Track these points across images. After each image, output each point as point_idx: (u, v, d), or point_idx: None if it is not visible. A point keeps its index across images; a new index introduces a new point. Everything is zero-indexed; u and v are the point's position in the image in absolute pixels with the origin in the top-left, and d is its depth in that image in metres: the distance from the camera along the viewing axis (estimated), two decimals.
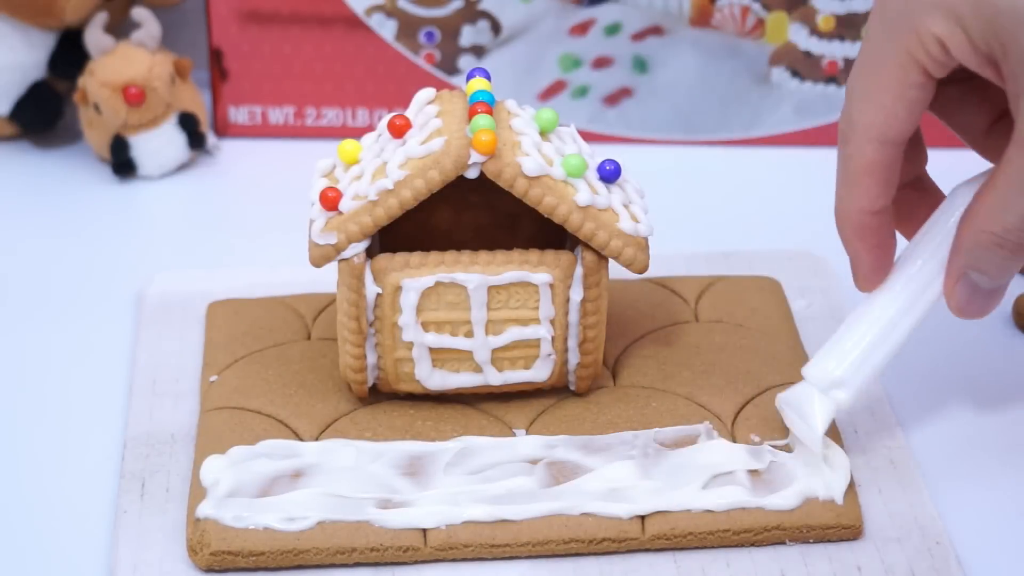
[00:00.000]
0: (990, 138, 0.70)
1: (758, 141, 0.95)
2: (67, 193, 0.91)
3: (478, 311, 0.70)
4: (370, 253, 0.70)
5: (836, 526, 0.68)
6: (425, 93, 0.72)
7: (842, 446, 0.71)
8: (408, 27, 0.93)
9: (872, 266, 0.69)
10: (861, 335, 0.69)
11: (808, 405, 0.69)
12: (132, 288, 0.83)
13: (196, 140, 0.92)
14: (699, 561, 0.68)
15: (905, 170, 0.69)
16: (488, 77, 0.71)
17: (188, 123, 0.91)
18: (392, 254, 0.70)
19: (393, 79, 0.94)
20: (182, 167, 0.93)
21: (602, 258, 0.70)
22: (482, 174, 0.69)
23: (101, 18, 0.90)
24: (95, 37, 0.90)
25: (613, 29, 0.93)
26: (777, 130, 0.95)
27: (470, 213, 0.75)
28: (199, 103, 0.93)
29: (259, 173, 0.93)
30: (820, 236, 0.78)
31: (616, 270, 0.72)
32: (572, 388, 0.74)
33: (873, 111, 0.67)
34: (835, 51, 0.93)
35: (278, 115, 0.95)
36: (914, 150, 0.70)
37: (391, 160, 0.69)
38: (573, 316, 0.71)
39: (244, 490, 0.68)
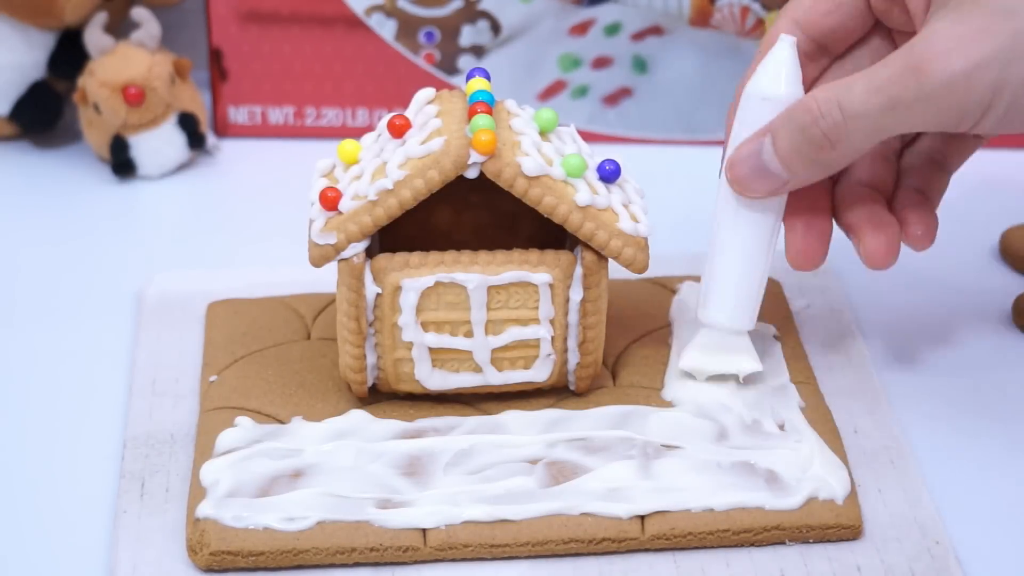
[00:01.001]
0: None
1: None
2: (67, 193, 0.91)
3: (478, 311, 0.70)
4: (370, 253, 0.70)
5: (836, 526, 0.68)
6: (425, 93, 0.72)
7: (842, 446, 0.71)
8: (408, 27, 0.93)
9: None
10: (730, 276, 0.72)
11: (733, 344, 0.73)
12: (132, 288, 0.83)
13: (196, 140, 0.92)
14: (699, 561, 0.68)
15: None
16: (488, 77, 0.71)
17: (188, 123, 0.91)
18: (392, 254, 0.70)
19: (393, 79, 0.94)
20: (182, 167, 0.93)
21: (602, 258, 0.70)
22: (482, 174, 0.69)
23: (101, 18, 0.90)
24: (95, 37, 0.90)
25: (613, 29, 0.93)
26: None
27: (470, 213, 0.75)
28: (199, 103, 0.93)
29: (259, 173, 0.93)
30: None
31: (616, 270, 0.72)
32: (572, 388, 0.74)
33: None
34: None
35: (278, 115, 0.95)
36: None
37: (391, 160, 0.69)
38: (573, 316, 0.71)
39: (244, 490, 0.68)
